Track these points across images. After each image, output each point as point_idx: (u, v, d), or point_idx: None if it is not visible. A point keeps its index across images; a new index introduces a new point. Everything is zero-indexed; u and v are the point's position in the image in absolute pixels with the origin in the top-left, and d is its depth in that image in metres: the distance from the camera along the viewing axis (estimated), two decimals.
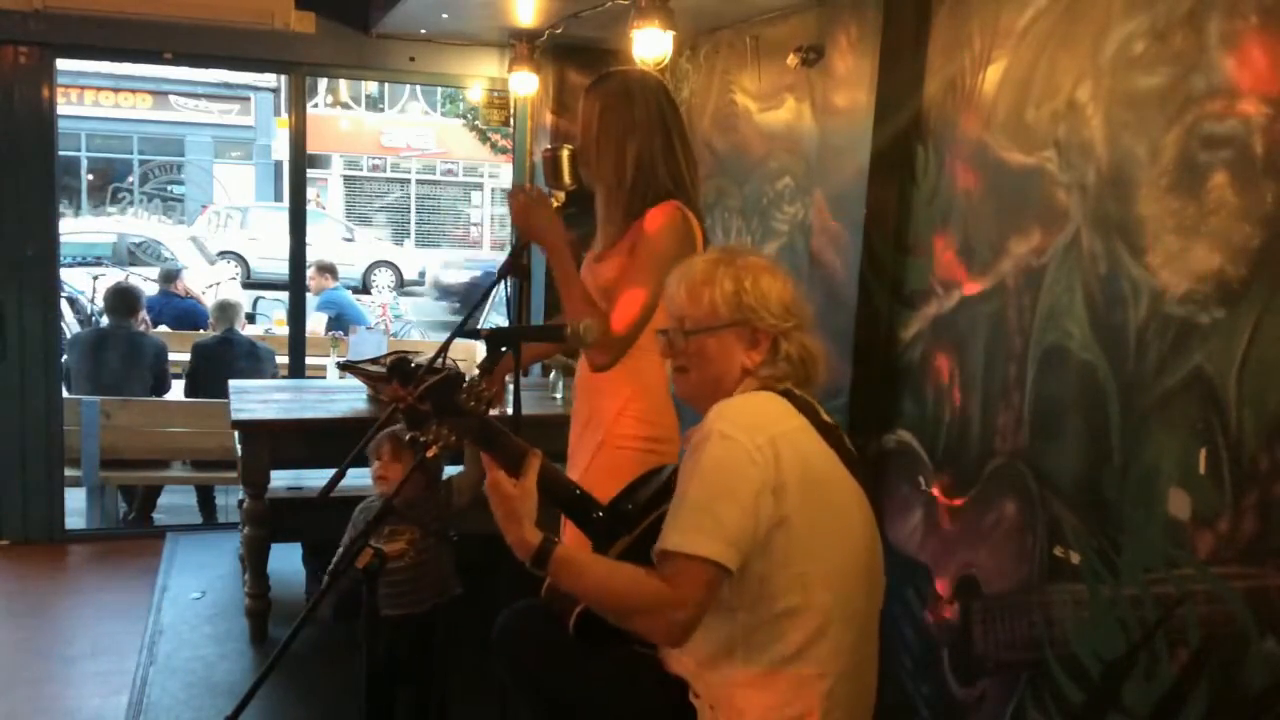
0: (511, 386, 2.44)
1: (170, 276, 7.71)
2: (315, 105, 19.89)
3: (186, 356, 5.66)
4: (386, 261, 17.15)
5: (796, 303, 1.81)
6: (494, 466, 1.76)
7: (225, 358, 5.37)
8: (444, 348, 2.17)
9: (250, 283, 14.14)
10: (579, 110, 2.48)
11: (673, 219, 2.34)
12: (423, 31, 4.74)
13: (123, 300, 5.50)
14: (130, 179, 20.10)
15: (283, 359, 5.56)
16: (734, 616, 1.71)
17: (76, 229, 13.74)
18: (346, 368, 4.02)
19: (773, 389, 1.77)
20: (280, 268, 6.66)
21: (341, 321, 7.10)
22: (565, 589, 1.72)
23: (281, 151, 18.56)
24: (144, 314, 5.83)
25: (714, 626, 1.72)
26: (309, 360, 5.35)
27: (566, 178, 2.42)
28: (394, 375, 2.22)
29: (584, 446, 2.51)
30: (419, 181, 22.52)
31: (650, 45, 3.11)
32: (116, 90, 19.03)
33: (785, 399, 1.75)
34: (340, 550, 2.83)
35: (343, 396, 4.03)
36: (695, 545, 1.62)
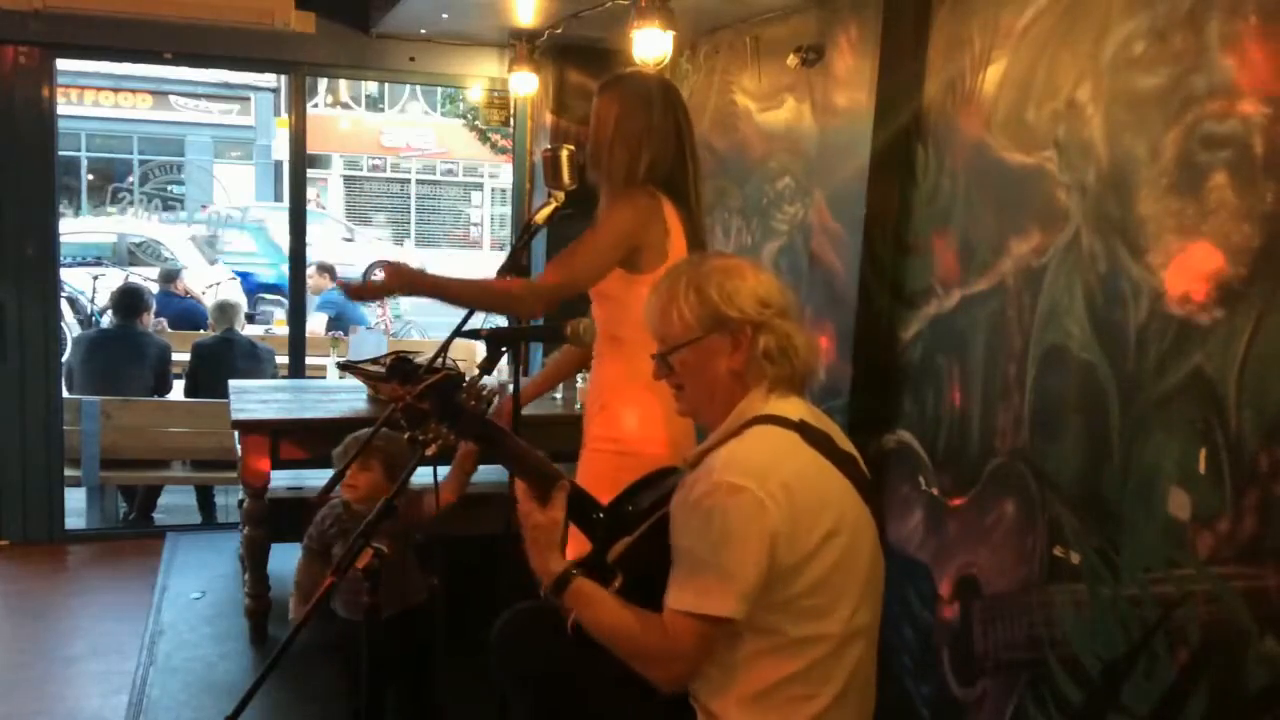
0: (511, 385, 2.45)
1: (170, 276, 7.72)
2: (315, 105, 19.89)
3: (186, 356, 5.66)
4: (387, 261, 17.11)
5: (771, 294, 1.77)
6: (525, 496, 1.75)
7: (225, 358, 5.37)
8: (444, 348, 2.17)
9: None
10: (593, 109, 2.48)
11: (632, 196, 2.38)
12: (423, 31, 4.74)
13: (129, 301, 5.51)
14: (130, 179, 20.09)
15: (283, 359, 5.57)
16: (740, 643, 1.70)
17: (77, 229, 13.73)
18: (346, 368, 4.02)
19: (785, 421, 1.73)
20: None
21: (341, 321, 7.11)
22: (578, 618, 1.74)
23: (281, 151, 18.56)
24: (151, 316, 5.83)
25: (721, 647, 1.72)
26: (309, 360, 5.36)
27: (566, 178, 2.42)
28: (394, 375, 2.23)
29: (583, 444, 2.55)
30: (419, 181, 22.53)
31: (650, 45, 3.11)
32: (116, 90, 19.03)
33: (797, 433, 1.72)
34: (302, 549, 2.83)
35: (343, 396, 4.03)
36: (701, 605, 1.63)
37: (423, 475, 2.79)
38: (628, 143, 2.41)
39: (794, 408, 1.76)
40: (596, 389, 2.52)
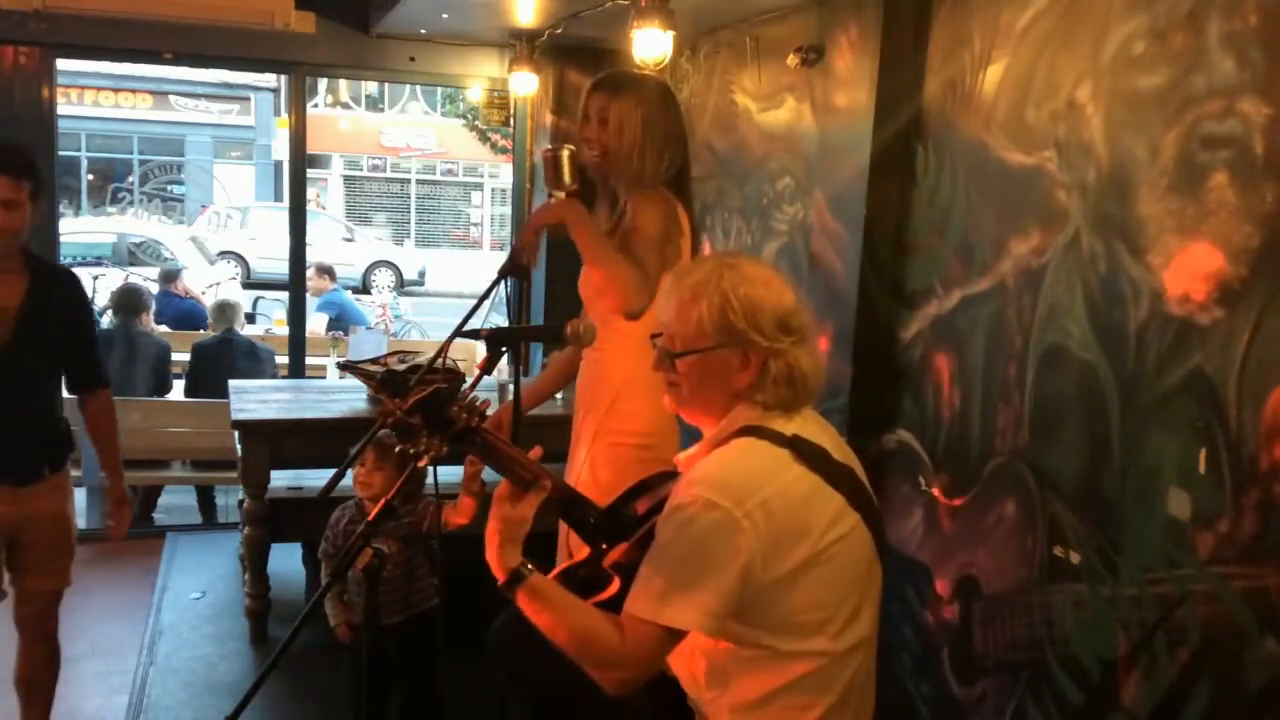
0: (512, 386, 2.44)
1: (170, 276, 7.71)
2: (315, 105, 19.89)
3: (186, 356, 5.66)
4: (386, 261, 17.17)
5: (794, 315, 1.71)
6: (503, 495, 1.71)
7: (225, 358, 5.37)
8: (443, 348, 2.17)
9: (250, 283, 14.15)
10: (603, 110, 2.47)
11: (654, 197, 2.44)
12: (423, 31, 4.74)
13: (129, 300, 5.51)
14: (130, 179, 20.09)
15: (283, 359, 5.57)
16: (731, 652, 1.69)
17: (77, 229, 13.74)
18: (346, 368, 4.02)
19: (775, 435, 1.68)
20: (280, 268, 6.66)
21: (341, 322, 7.11)
22: (528, 617, 1.69)
23: (281, 151, 18.57)
24: (150, 316, 5.83)
25: (712, 654, 1.71)
26: (309, 360, 5.35)
27: (567, 178, 2.42)
28: (384, 389, 2.21)
29: (582, 436, 2.55)
30: (419, 181, 22.53)
31: (650, 45, 3.11)
32: (116, 90, 19.03)
33: (787, 449, 1.67)
34: (320, 556, 2.84)
35: (343, 396, 4.03)
36: (662, 615, 1.59)
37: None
38: (657, 144, 2.45)
39: (788, 423, 1.71)
40: (605, 382, 2.50)
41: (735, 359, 1.70)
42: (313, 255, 6.66)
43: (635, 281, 2.35)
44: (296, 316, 5.27)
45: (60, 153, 4.59)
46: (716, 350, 1.70)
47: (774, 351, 1.69)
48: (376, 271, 16.78)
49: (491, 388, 3.86)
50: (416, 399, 1.72)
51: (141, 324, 5.54)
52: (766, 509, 1.59)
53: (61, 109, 4.64)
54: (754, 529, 1.58)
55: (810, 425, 1.75)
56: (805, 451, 1.68)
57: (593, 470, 2.47)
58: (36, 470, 2.68)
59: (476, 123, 16.40)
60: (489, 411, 1.82)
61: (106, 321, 5.94)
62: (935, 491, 2.79)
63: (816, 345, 1.80)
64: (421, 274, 17.47)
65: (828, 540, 1.65)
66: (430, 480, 2.00)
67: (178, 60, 4.90)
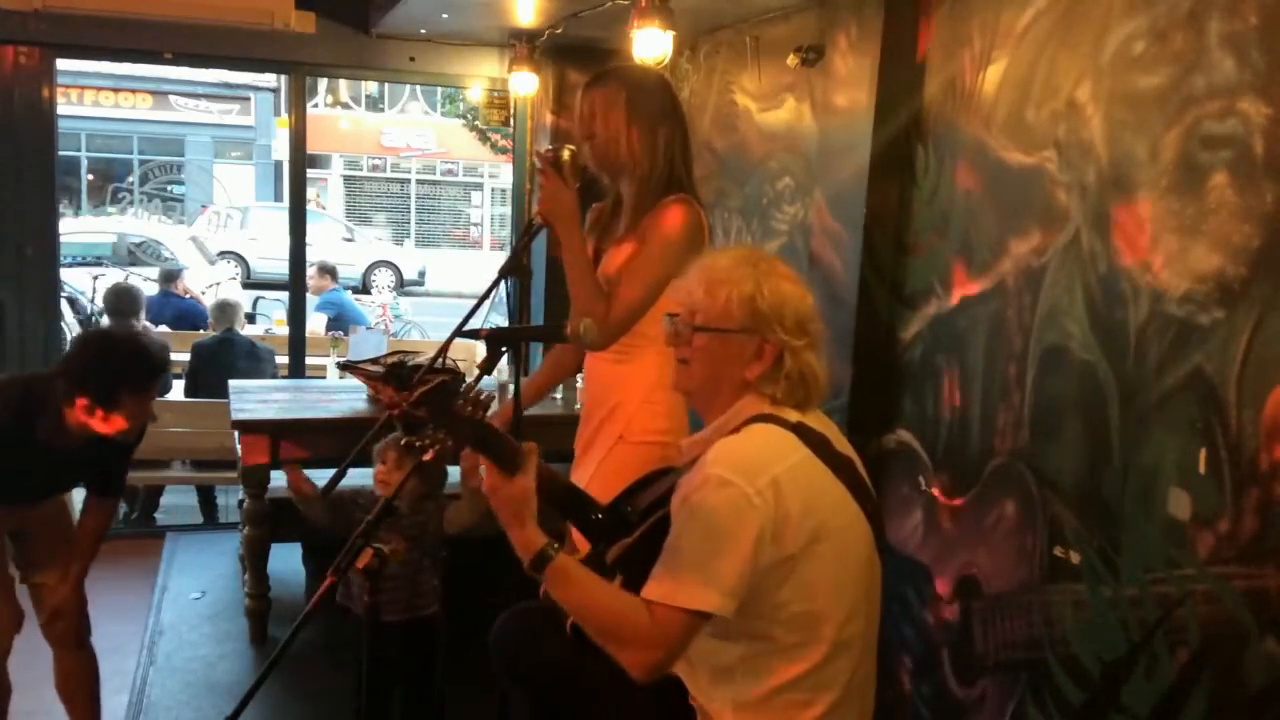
0: (512, 385, 2.44)
1: (170, 276, 7.70)
2: (315, 105, 19.88)
3: (186, 356, 5.66)
4: (386, 261, 17.17)
5: (811, 318, 1.75)
6: (492, 471, 1.72)
7: (225, 358, 5.37)
8: (444, 348, 2.16)
9: (250, 283, 14.15)
10: (591, 104, 2.44)
11: (688, 213, 2.37)
12: (423, 31, 4.75)
13: (123, 300, 5.51)
14: (130, 179, 20.10)
15: (283, 359, 5.57)
16: (734, 647, 1.69)
17: (76, 229, 13.74)
18: (346, 368, 4.02)
19: (782, 421, 1.72)
20: (280, 268, 6.67)
21: (341, 321, 7.10)
22: (555, 597, 1.70)
23: (281, 151, 18.55)
24: (144, 315, 5.83)
25: (714, 651, 1.71)
26: (309, 360, 5.35)
27: (567, 178, 2.41)
28: (389, 381, 2.20)
29: (600, 441, 2.49)
30: (419, 181, 22.53)
31: (650, 45, 3.11)
32: (116, 90, 19.04)
33: (795, 434, 1.70)
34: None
35: (343, 396, 4.04)
36: (685, 597, 1.60)
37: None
38: (642, 125, 2.38)
39: (794, 413, 1.74)
40: (628, 384, 2.44)
41: (751, 347, 1.73)
42: (313, 255, 6.66)
43: (600, 326, 2.26)
44: (296, 316, 5.27)
45: (60, 153, 4.59)
46: (736, 334, 1.73)
47: (790, 347, 1.72)
48: (376, 271, 16.78)
49: (491, 387, 3.86)
50: (422, 391, 1.72)
51: (136, 324, 5.54)
52: (776, 487, 1.62)
53: (61, 109, 4.64)
54: (764, 506, 1.60)
55: (813, 419, 1.77)
56: (809, 439, 1.71)
57: (619, 472, 2.41)
58: None
59: (476, 123, 16.40)
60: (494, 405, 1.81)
61: (106, 322, 5.94)
62: (935, 491, 2.79)
63: (827, 358, 1.81)
64: (421, 274, 17.48)
65: (832, 525, 1.67)
66: (450, 479, 2.00)
67: (178, 60, 4.90)
